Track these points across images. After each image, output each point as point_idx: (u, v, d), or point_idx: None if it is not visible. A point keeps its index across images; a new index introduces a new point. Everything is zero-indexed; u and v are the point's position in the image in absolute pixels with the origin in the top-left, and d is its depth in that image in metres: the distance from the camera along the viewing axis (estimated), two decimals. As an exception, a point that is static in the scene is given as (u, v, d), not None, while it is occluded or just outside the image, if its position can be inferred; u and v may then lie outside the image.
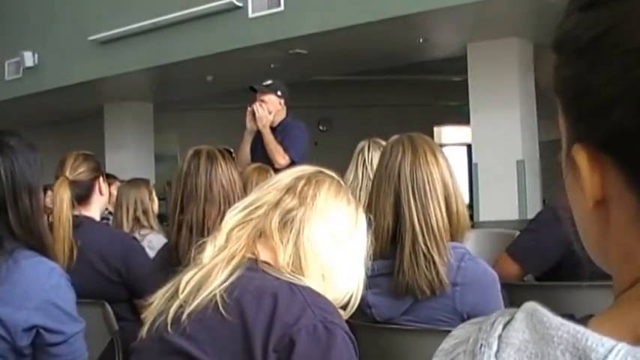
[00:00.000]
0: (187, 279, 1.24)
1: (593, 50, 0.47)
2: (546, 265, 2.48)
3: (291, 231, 1.31)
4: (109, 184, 4.39)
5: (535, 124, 7.10)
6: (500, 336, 0.50)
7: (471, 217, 6.60)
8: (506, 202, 6.81)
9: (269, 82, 4.76)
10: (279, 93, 4.68)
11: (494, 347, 0.49)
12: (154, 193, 4.24)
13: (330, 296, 1.29)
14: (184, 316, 1.17)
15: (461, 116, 8.43)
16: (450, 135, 11.60)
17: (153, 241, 3.70)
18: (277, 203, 1.34)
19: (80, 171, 2.74)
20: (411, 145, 1.98)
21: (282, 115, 4.73)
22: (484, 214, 6.89)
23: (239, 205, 1.39)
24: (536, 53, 7.03)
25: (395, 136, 2.05)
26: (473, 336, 0.52)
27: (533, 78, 7.04)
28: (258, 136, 4.69)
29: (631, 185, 0.48)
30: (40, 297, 1.64)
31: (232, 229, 1.33)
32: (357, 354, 1.20)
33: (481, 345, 0.50)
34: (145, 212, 4.01)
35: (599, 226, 0.51)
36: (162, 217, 4.21)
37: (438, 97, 10.44)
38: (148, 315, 1.25)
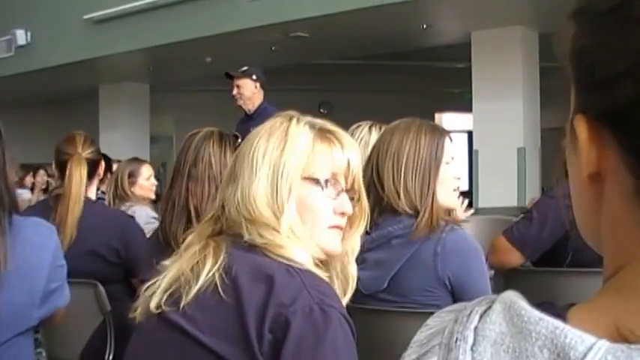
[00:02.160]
0: (180, 265, 1.22)
1: (611, 20, 0.47)
2: (543, 249, 2.55)
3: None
4: (111, 165, 4.47)
5: (538, 112, 7.10)
6: (476, 328, 0.48)
7: (470, 204, 6.56)
8: (505, 189, 6.83)
9: (244, 68, 5.01)
10: (254, 77, 4.92)
11: (470, 340, 0.48)
12: (152, 177, 4.23)
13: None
14: (185, 296, 1.17)
15: (462, 103, 8.38)
16: (450, 122, 11.58)
17: (141, 211, 3.75)
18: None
19: (90, 150, 2.75)
20: (405, 123, 2.04)
21: (259, 99, 4.95)
22: (483, 201, 6.90)
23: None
24: (541, 42, 7.01)
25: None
26: (448, 327, 0.51)
27: (538, 67, 7.03)
28: (247, 122, 4.81)
29: (627, 160, 0.47)
30: (49, 261, 1.64)
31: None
32: (354, 337, 1.18)
33: (457, 339, 0.49)
34: (132, 183, 4.01)
35: (593, 202, 0.51)
36: (156, 199, 4.22)
37: (440, 83, 10.39)
38: (146, 295, 1.22)
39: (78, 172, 2.63)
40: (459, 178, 2.09)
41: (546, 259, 2.60)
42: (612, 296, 0.49)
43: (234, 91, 4.94)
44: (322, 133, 1.29)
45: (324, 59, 9.24)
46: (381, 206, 1.98)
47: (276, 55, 8.23)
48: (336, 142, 1.29)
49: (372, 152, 2.06)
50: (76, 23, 8.24)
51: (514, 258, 2.55)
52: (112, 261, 2.73)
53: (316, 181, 1.27)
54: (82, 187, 2.62)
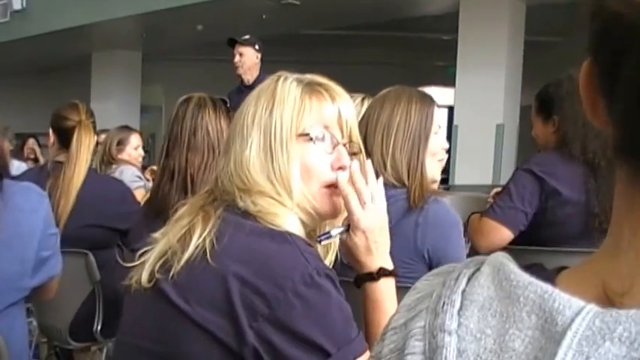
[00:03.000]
0: (176, 228, 1.18)
1: None
2: (527, 221, 2.49)
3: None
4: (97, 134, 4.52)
5: (519, 87, 7.06)
6: (464, 291, 0.48)
7: (446, 180, 6.62)
8: (482, 166, 6.78)
9: (247, 36, 4.93)
10: (256, 47, 4.87)
11: (457, 304, 0.48)
12: (140, 147, 4.27)
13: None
14: (176, 263, 1.12)
15: (446, 77, 8.37)
16: (432, 95, 11.53)
17: (124, 172, 3.79)
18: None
19: (92, 120, 2.75)
20: (395, 92, 1.98)
21: (257, 70, 4.89)
22: (459, 178, 6.85)
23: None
24: (529, 14, 6.99)
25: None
26: (436, 291, 0.50)
27: (523, 40, 7.01)
28: (244, 92, 4.82)
29: (608, 106, 0.46)
30: (40, 229, 1.62)
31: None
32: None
33: (444, 303, 0.48)
34: (120, 150, 4.06)
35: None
36: (144, 170, 4.26)
37: (425, 56, 10.38)
38: (138, 265, 1.19)
39: (88, 139, 2.62)
40: (447, 150, 2.04)
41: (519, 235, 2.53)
42: (602, 259, 0.48)
43: (236, 59, 4.83)
44: (311, 87, 1.25)
45: (314, 29, 9.23)
46: None
47: (267, 24, 8.22)
48: (325, 94, 1.26)
49: (360, 122, 1.94)
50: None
51: (504, 235, 2.48)
52: (110, 227, 2.73)
53: (309, 137, 1.22)
54: (89, 154, 2.64)
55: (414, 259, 1.85)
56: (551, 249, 2.42)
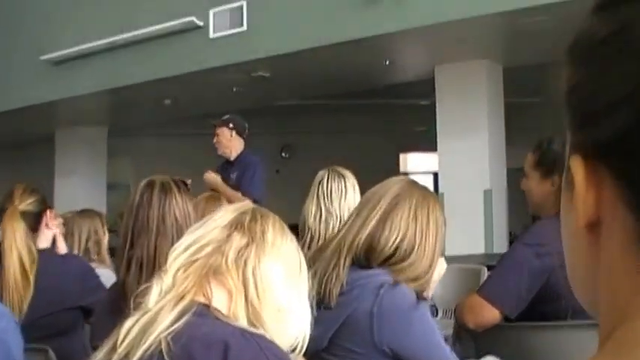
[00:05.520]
0: (129, 326, 1.19)
1: (605, 49, 0.46)
2: (523, 305, 2.36)
3: (246, 268, 1.29)
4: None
5: (503, 150, 7.00)
6: None
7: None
8: (472, 234, 6.65)
9: (226, 116, 5.27)
10: (230, 125, 5.17)
11: None
12: (106, 227, 4.10)
13: (284, 340, 1.29)
14: (131, 357, 1.13)
15: (427, 142, 8.33)
16: (416, 163, 11.52)
17: (103, 276, 3.54)
18: (226, 240, 1.31)
19: (30, 201, 2.67)
20: (406, 182, 1.97)
21: (237, 147, 5.21)
22: (449, 248, 6.65)
23: (181, 243, 1.33)
24: (505, 76, 6.96)
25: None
26: None
27: (503, 103, 6.97)
28: (227, 168, 5.14)
29: (627, 198, 0.44)
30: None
31: (178, 269, 1.28)
32: None
33: None
34: (97, 243, 3.91)
35: (590, 254, 0.48)
36: (113, 251, 4.02)
37: (405, 121, 10.36)
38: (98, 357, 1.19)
39: (11, 226, 2.52)
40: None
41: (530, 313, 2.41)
42: (611, 358, 0.45)
43: (214, 139, 5.18)
44: None
45: (286, 99, 9.17)
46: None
47: (239, 97, 8.13)
48: None
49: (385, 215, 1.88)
50: (33, 64, 8.05)
51: (495, 315, 2.35)
52: (75, 307, 2.66)
53: None
54: (17, 242, 2.51)
55: (374, 355, 1.76)
56: (553, 323, 2.30)
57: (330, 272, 1.83)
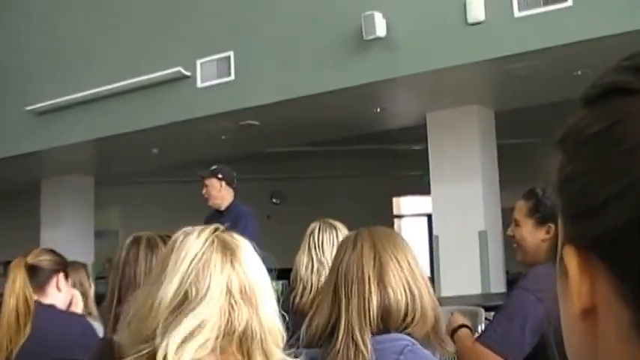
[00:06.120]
0: None
1: (595, 145, 0.47)
2: (527, 351, 2.34)
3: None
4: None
5: (497, 192, 6.96)
6: None
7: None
8: (468, 275, 6.58)
9: (214, 167, 5.25)
10: (219, 176, 5.16)
11: None
12: (91, 278, 4.04)
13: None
14: None
15: (421, 186, 8.27)
16: (409, 206, 11.44)
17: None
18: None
19: (42, 258, 2.72)
20: (363, 238, 1.82)
21: (227, 197, 5.18)
22: (445, 289, 6.62)
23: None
24: (497, 120, 6.94)
25: (351, 232, 1.91)
26: None
27: (495, 146, 6.95)
28: (217, 218, 4.98)
29: (622, 291, 0.45)
30: None
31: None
32: None
33: None
34: (83, 295, 3.78)
35: (587, 340, 0.48)
36: (101, 298, 3.90)
37: (397, 166, 10.30)
38: None
39: (13, 274, 2.56)
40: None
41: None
42: None
43: (203, 191, 5.17)
44: None
45: (275, 147, 9.11)
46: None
47: (227, 144, 8.04)
48: None
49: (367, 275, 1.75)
50: (18, 115, 7.96)
51: None
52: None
53: None
54: (16, 289, 2.53)
55: None
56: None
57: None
